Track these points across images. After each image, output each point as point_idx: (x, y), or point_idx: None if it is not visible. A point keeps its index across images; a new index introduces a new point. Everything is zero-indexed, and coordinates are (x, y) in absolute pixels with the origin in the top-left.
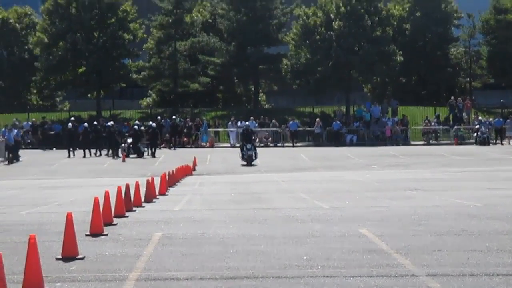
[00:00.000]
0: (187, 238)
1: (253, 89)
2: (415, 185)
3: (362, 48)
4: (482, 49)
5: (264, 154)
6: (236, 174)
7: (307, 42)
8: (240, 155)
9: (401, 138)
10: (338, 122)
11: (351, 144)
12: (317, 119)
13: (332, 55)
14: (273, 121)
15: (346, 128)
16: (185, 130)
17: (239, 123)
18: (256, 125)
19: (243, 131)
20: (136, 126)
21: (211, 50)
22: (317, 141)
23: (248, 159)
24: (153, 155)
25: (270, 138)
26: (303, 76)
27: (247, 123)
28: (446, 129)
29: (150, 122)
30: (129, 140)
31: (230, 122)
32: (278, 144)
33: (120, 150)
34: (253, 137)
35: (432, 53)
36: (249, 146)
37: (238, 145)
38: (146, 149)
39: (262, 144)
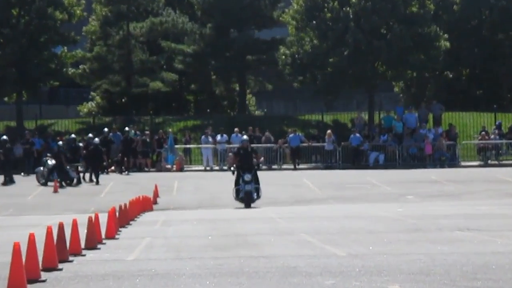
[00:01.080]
0: None
1: (238, 88)
2: (467, 224)
3: (391, 30)
4: None
5: None
6: (215, 208)
7: (314, 22)
8: (234, 191)
9: (446, 157)
10: (357, 134)
11: (376, 165)
12: (328, 131)
13: (348, 40)
14: (267, 134)
15: (369, 143)
16: (142, 147)
17: (218, 137)
18: (244, 136)
19: (239, 150)
20: (61, 142)
21: (179, 34)
22: (328, 161)
23: (247, 199)
24: (96, 182)
25: (262, 158)
26: (308, 70)
27: (244, 137)
28: (511, 144)
29: (90, 135)
30: (51, 162)
31: (203, 136)
32: (274, 167)
33: (38, 175)
34: (254, 159)
35: (491, 38)
36: (248, 176)
37: (216, 167)
38: (79, 174)
39: None
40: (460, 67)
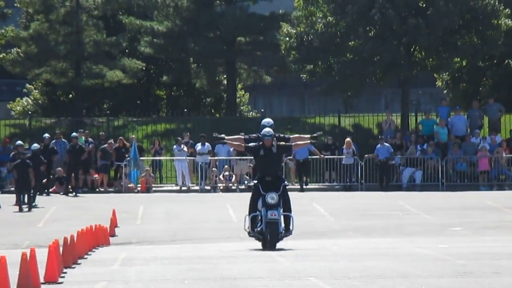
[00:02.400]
0: None
1: (225, 81)
2: None
3: (432, 4)
4: None
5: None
6: (193, 242)
7: None
8: (247, 220)
9: (507, 176)
10: (386, 144)
11: (411, 186)
12: (347, 139)
13: (375, 18)
14: None
15: (401, 156)
16: (96, 159)
17: (198, 147)
18: (231, 149)
19: (258, 148)
20: None
21: (147, 7)
22: (346, 180)
23: (271, 234)
24: (29, 207)
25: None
26: (321, 57)
27: (267, 128)
28: None
29: (19, 142)
30: None
31: (175, 146)
32: (250, 184)
33: None
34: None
35: None
36: (273, 196)
37: (195, 186)
38: None
39: (243, 186)
40: None
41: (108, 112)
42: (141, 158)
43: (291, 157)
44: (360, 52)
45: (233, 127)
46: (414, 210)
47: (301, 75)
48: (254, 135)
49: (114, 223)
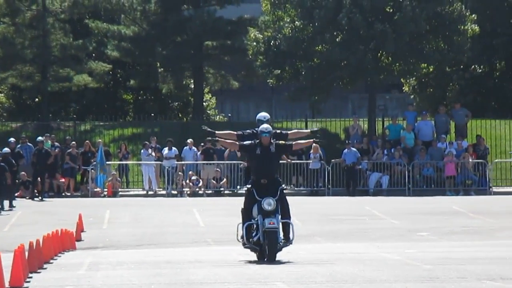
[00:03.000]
0: None
1: (192, 85)
2: (501, 271)
3: (399, 9)
4: None
5: (214, 210)
6: (159, 246)
7: None
8: (241, 229)
9: (473, 181)
10: (353, 149)
11: (378, 191)
12: (314, 144)
13: (342, 23)
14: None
15: (368, 161)
16: (62, 163)
17: (164, 151)
18: (198, 154)
19: (254, 147)
20: None
21: (114, 11)
22: (313, 185)
23: (269, 244)
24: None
25: (225, 180)
26: (288, 62)
27: (264, 125)
28: None
29: None
30: None
31: (143, 150)
32: (241, 191)
33: None
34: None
35: None
36: (270, 202)
37: (162, 191)
38: None
39: (210, 191)
40: (493, 59)
41: (74, 116)
42: (107, 162)
43: (294, 158)
44: (328, 57)
45: (199, 131)
46: (381, 215)
47: (268, 80)
48: (248, 130)
49: (80, 228)
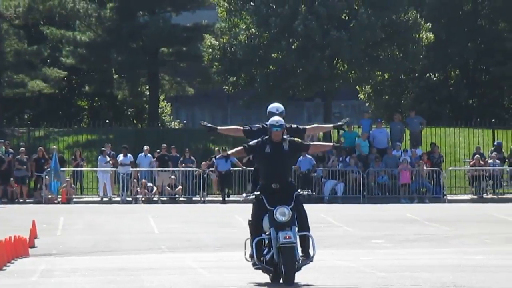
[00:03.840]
0: None
1: (147, 92)
2: (455, 279)
3: (355, 17)
4: None
5: (169, 217)
6: (114, 253)
7: (252, 4)
8: (250, 246)
9: (428, 189)
10: (308, 156)
11: (333, 198)
12: (333, 149)
13: (298, 30)
14: (187, 155)
15: (324, 168)
16: (15, 169)
17: (120, 157)
18: (153, 160)
19: (263, 144)
20: None
21: (69, 17)
22: None
23: (285, 263)
24: None
25: (180, 187)
26: (243, 69)
27: (276, 117)
28: None
29: None
30: None
31: (101, 156)
32: (195, 198)
33: None
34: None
35: (489, 28)
36: (284, 212)
37: (117, 198)
38: None
39: (165, 198)
40: (448, 67)
41: (29, 122)
42: (62, 169)
43: (213, 169)
44: (283, 64)
45: (154, 138)
46: (336, 223)
47: (224, 87)
48: (257, 125)
49: (33, 234)
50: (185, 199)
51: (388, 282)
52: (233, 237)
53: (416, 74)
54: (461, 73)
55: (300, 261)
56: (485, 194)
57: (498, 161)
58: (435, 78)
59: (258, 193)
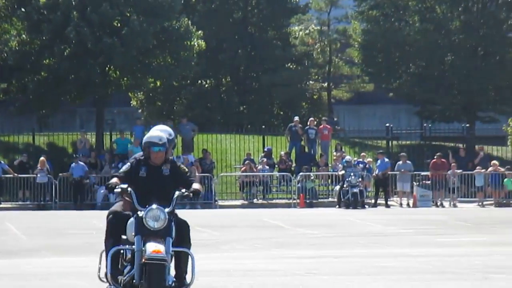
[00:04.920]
0: None
1: None
2: (227, 283)
3: (127, 23)
4: (354, 28)
5: None
6: None
7: (23, 10)
8: (105, 263)
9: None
10: (81, 163)
11: (106, 204)
12: (41, 158)
13: (70, 36)
14: None
15: (96, 175)
16: None
17: None
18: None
19: (137, 167)
20: None
21: None
22: (40, 199)
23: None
24: None
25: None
26: (14, 75)
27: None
28: (284, 176)
29: None
30: None
31: None
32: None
33: None
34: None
35: (258, 35)
36: (156, 216)
37: None
38: None
39: None
40: (220, 74)
41: None
42: None
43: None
44: (56, 71)
45: None
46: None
47: None
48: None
49: None
50: None
51: (220, 285)
52: (5, 244)
53: (188, 81)
54: (232, 80)
55: (172, 286)
56: (256, 200)
57: (268, 167)
58: (206, 85)
59: (126, 186)
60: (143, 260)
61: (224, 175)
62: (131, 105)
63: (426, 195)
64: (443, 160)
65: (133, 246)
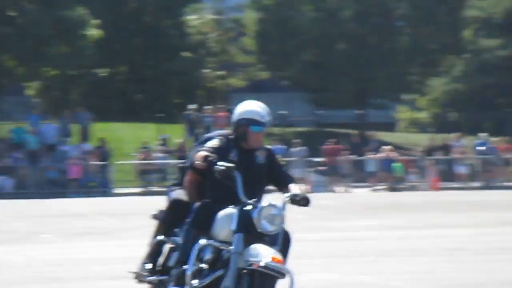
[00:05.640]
0: None
1: None
2: (123, 271)
3: (23, 12)
4: (249, 16)
5: None
6: None
7: None
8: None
9: (97, 182)
10: None
11: (3, 194)
12: None
13: None
14: None
15: None
16: None
17: None
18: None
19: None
20: None
21: None
22: None
23: None
24: None
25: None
26: None
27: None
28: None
29: None
30: None
31: None
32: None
33: None
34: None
35: (154, 25)
36: (273, 216)
37: None
38: None
39: None
40: (116, 63)
41: None
42: None
43: None
44: None
45: None
46: (4, 218)
47: None
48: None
49: None
50: None
51: (57, 275)
52: None
53: (85, 70)
54: (129, 69)
55: None
56: (152, 187)
57: (165, 155)
58: (103, 74)
59: (233, 165)
60: (255, 266)
61: (121, 163)
62: (27, 94)
63: (321, 180)
64: (336, 146)
65: (218, 244)
